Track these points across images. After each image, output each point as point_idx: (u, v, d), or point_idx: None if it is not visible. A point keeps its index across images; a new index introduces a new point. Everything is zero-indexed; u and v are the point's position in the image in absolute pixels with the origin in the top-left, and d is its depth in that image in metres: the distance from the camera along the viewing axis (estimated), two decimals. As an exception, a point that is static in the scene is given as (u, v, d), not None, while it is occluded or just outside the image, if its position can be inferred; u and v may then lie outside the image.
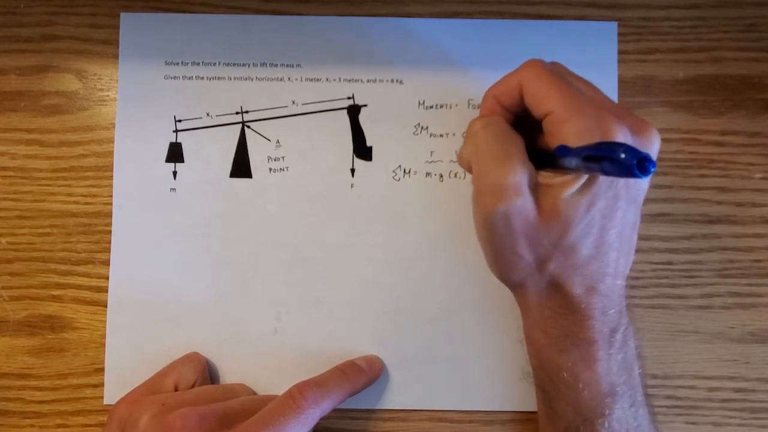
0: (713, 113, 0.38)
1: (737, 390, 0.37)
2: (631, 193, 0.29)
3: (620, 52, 0.38)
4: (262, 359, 0.37)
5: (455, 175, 0.38)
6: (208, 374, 0.36)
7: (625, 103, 0.38)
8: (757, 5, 0.38)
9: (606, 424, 0.30)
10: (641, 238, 0.37)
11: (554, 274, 0.29)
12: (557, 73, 0.29)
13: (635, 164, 0.23)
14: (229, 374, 0.37)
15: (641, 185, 0.29)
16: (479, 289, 0.37)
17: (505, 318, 0.37)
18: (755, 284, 0.37)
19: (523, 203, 0.28)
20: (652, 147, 0.29)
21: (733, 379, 0.37)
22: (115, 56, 0.38)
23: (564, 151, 0.27)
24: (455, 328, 0.37)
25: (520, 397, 0.37)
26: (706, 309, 0.37)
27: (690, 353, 0.37)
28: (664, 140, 0.38)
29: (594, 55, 0.38)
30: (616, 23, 0.38)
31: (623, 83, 0.38)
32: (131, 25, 0.38)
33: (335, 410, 0.33)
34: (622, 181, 0.28)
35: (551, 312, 0.30)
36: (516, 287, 0.31)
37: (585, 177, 0.28)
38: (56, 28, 0.38)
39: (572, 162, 0.26)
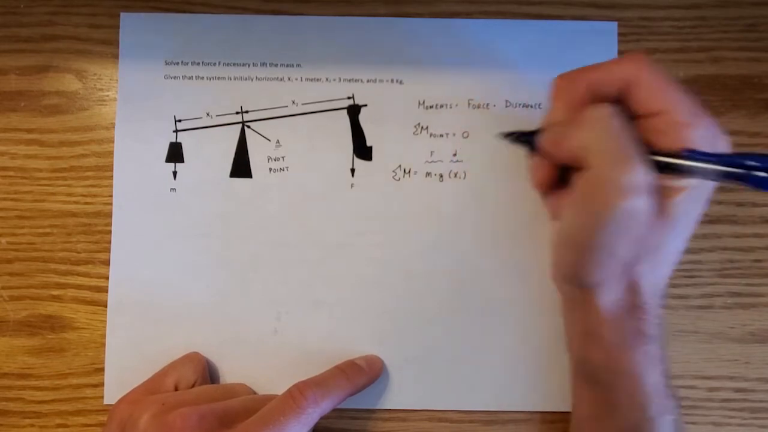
0: (713, 113, 0.37)
1: (737, 390, 0.37)
2: (704, 201, 0.30)
3: (620, 52, 0.38)
4: (262, 359, 0.37)
5: (455, 175, 0.38)
6: (208, 374, 0.36)
7: (625, 103, 0.38)
8: (757, 5, 0.38)
9: (668, 424, 0.30)
10: (641, 238, 0.37)
11: (638, 274, 0.29)
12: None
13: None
14: (229, 374, 0.37)
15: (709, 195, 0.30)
16: (479, 288, 0.37)
17: (506, 318, 0.37)
18: (755, 284, 0.37)
19: (646, 203, 0.27)
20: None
21: (733, 379, 0.37)
22: (115, 56, 0.38)
23: (694, 155, 0.27)
24: (455, 328, 0.37)
25: (521, 397, 0.37)
26: (706, 309, 0.37)
27: (690, 353, 0.37)
28: (664, 140, 0.38)
29: (594, 55, 0.38)
30: (616, 23, 0.38)
31: (623, 83, 0.38)
32: (131, 25, 0.38)
33: (335, 410, 0.33)
34: (711, 188, 0.29)
35: (623, 311, 0.30)
36: (591, 287, 0.30)
37: (698, 182, 0.28)
38: (56, 28, 0.38)
39: (696, 167, 0.27)
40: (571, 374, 0.34)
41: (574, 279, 0.30)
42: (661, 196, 0.28)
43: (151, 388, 0.34)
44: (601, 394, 0.32)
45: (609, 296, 0.30)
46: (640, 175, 0.27)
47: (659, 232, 0.28)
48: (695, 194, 0.29)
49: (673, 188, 0.28)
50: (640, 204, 0.27)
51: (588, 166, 0.28)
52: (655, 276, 0.30)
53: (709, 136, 0.28)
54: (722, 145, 0.28)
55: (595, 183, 0.28)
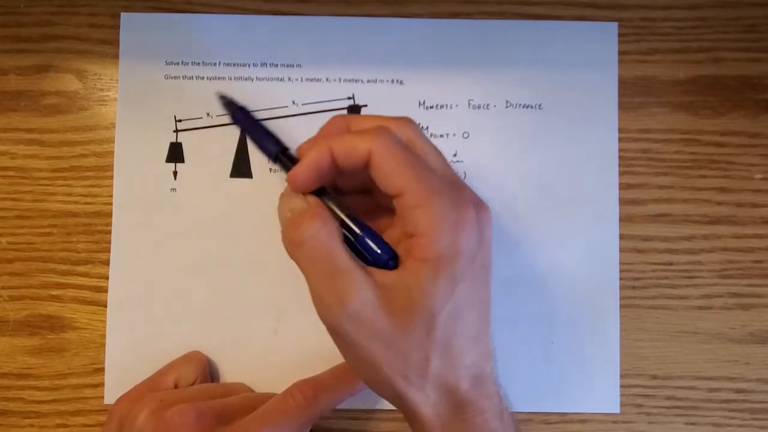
0: (713, 114, 0.38)
1: (737, 391, 0.37)
2: (483, 272, 0.28)
3: (620, 53, 0.38)
4: (262, 359, 0.37)
5: (455, 176, 0.38)
6: (209, 373, 0.36)
7: (625, 103, 0.38)
8: (757, 6, 0.38)
9: None
10: (642, 238, 0.37)
11: (438, 374, 0.27)
12: (408, 148, 0.27)
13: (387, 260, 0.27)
14: (229, 374, 0.37)
15: (489, 263, 0.28)
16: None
17: (504, 317, 0.37)
18: (755, 285, 0.37)
19: (367, 309, 0.26)
20: (490, 222, 0.28)
21: (733, 379, 0.37)
22: (115, 56, 0.38)
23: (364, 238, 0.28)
24: (455, 329, 0.37)
25: (521, 397, 0.37)
26: (706, 309, 0.37)
27: (690, 354, 0.37)
28: (664, 141, 0.38)
29: (594, 55, 0.38)
30: (616, 23, 0.38)
31: (623, 83, 0.38)
32: (131, 25, 0.38)
33: (335, 410, 0.33)
34: (477, 262, 0.27)
35: (447, 419, 0.27)
36: (402, 403, 0.27)
37: (446, 262, 0.26)
38: (56, 28, 0.38)
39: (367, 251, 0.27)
40: None
41: (385, 397, 0.29)
42: (406, 291, 0.26)
43: (151, 386, 0.34)
44: None
45: (424, 408, 0.27)
46: (353, 281, 0.26)
47: (418, 327, 0.26)
48: (438, 280, 0.26)
49: (408, 278, 0.26)
50: (360, 311, 0.26)
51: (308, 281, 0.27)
52: (467, 369, 0.27)
53: (438, 216, 0.26)
54: (462, 215, 0.26)
55: (314, 301, 0.27)
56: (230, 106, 0.31)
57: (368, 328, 0.26)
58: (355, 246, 0.28)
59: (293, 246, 0.27)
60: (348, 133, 0.28)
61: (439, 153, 0.29)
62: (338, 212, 0.28)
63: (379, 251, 0.27)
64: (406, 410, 0.28)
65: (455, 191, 0.27)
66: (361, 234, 0.28)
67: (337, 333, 0.27)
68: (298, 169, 0.28)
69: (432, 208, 0.26)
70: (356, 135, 0.27)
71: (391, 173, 0.26)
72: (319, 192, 0.29)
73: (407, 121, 0.29)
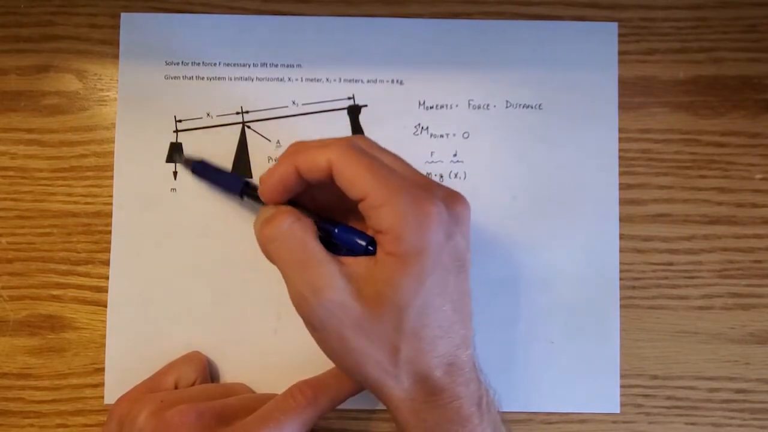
0: (713, 114, 0.38)
1: (737, 391, 0.37)
2: (457, 264, 0.28)
3: (620, 53, 0.38)
4: (262, 359, 0.37)
5: (455, 176, 0.38)
6: (209, 373, 0.36)
7: (625, 103, 0.38)
8: (757, 6, 0.38)
9: None
10: (642, 238, 0.37)
11: (410, 363, 0.28)
12: (367, 153, 0.28)
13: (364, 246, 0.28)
14: (230, 374, 0.37)
15: (462, 255, 0.29)
16: (477, 288, 0.37)
17: (504, 317, 0.37)
18: (755, 285, 0.37)
19: (340, 297, 0.27)
20: (465, 216, 0.29)
21: (733, 379, 0.37)
22: (115, 56, 0.38)
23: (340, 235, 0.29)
24: (455, 329, 0.37)
25: (520, 397, 0.37)
26: (706, 309, 0.37)
27: (690, 354, 0.37)
28: (664, 141, 0.38)
29: (594, 55, 0.38)
30: (616, 24, 0.38)
31: (623, 83, 0.38)
32: (131, 25, 0.38)
33: (335, 410, 0.33)
34: (445, 255, 0.28)
35: (421, 405, 0.28)
36: (377, 390, 0.29)
37: (413, 258, 0.27)
38: (56, 28, 0.38)
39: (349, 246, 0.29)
40: None
41: (362, 384, 0.30)
42: (374, 281, 0.27)
43: (151, 386, 0.34)
44: None
45: (398, 394, 0.28)
46: (323, 277, 0.27)
47: (388, 316, 0.27)
48: (407, 270, 0.27)
49: (380, 268, 0.27)
50: (334, 299, 0.27)
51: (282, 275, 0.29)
52: (440, 357, 0.28)
53: (400, 213, 0.27)
54: (427, 211, 0.27)
55: (291, 294, 0.29)
56: (188, 163, 0.36)
57: (342, 317, 0.27)
58: (331, 245, 0.29)
59: (267, 241, 0.29)
60: (310, 147, 0.29)
61: (399, 158, 0.30)
62: (311, 215, 0.30)
63: (357, 239, 0.29)
64: (381, 397, 0.29)
65: (419, 188, 0.28)
66: (336, 229, 0.29)
67: (313, 324, 0.28)
68: (267, 184, 0.30)
69: (394, 206, 0.27)
70: (317, 147, 0.28)
71: (353, 178, 0.27)
72: (293, 204, 0.30)
73: (363, 137, 0.31)
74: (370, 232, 0.29)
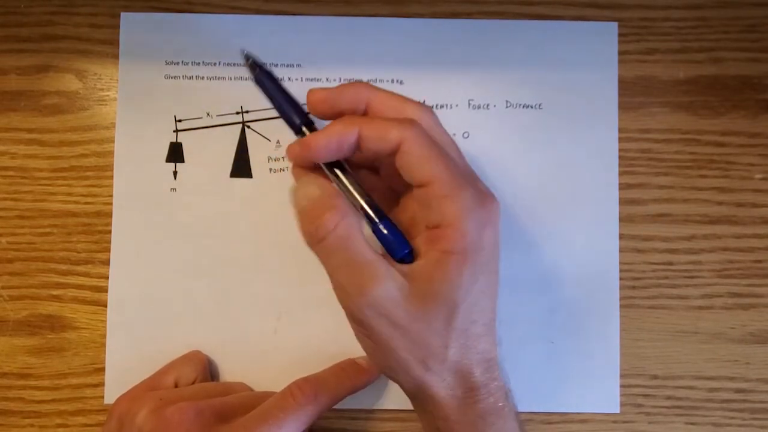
0: (713, 114, 0.38)
1: (737, 391, 0.37)
2: (497, 265, 0.28)
3: (620, 53, 0.38)
4: (262, 359, 0.37)
5: (455, 176, 0.38)
6: (209, 373, 0.36)
7: (625, 103, 0.38)
8: (757, 6, 0.38)
9: None
10: (642, 238, 0.37)
11: (456, 361, 0.28)
12: (436, 141, 0.28)
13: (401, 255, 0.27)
14: (230, 374, 0.37)
15: (499, 253, 0.28)
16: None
17: (504, 317, 0.37)
18: (755, 285, 0.37)
19: (388, 295, 0.27)
20: (499, 214, 0.28)
21: (733, 379, 0.37)
22: (115, 56, 0.38)
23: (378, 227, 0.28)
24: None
25: (521, 397, 0.37)
26: (706, 309, 0.37)
27: (690, 353, 0.37)
28: (664, 141, 0.38)
29: (594, 55, 0.38)
30: (616, 23, 0.38)
31: (623, 83, 0.38)
32: (131, 25, 0.38)
33: (335, 410, 0.33)
34: (496, 253, 0.28)
35: (461, 400, 0.28)
36: (420, 387, 0.28)
37: (472, 255, 0.27)
38: (56, 28, 0.38)
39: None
40: None
41: (403, 383, 0.29)
42: (429, 278, 0.27)
43: (151, 385, 0.34)
44: None
45: (441, 392, 0.28)
46: (374, 271, 0.27)
47: (441, 313, 0.27)
48: (460, 269, 0.26)
49: (432, 265, 0.27)
50: (384, 295, 0.26)
51: (329, 275, 0.28)
52: (481, 354, 0.28)
53: (465, 208, 0.26)
54: (486, 208, 0.27)
55: (335, 287, 0.28)
56: (254, 69, 0.29)
57: (389, 317, 0.27)
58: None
59: (313, 240, 0.28)
60: (378, 118, 0.28)
61: (456, 145, 0.29)
62: (357, 197, 0.28)
63: (396, 245, 0.28)
64: (422, 395, 0.29)
65: (477, 184, 0.28)
66: (379, 224, 0.28)
67: (356, 320, 0.28)
68: (320, 137, 0.27)
69: (460, 201, 0.26)
70: (388, 122, 0.27)
71: (421, 163, 0.27)
72: (336, 166, 0.28)
73: (429, 111, 0.29)
74: (405, 217, 0.29)
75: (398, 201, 0.31)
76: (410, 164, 0.27)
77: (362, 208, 0.28)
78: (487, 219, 0.27)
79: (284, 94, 0.29)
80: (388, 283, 0.27)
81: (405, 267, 0.27)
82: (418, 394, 0.29)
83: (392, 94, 0.29)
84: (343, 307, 0.28)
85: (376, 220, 0.28)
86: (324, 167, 0.29)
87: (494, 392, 0.29)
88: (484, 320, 0.28)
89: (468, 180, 0.27)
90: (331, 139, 0.27)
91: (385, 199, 0.30)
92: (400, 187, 0.30)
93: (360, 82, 0.29)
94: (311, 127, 0.29)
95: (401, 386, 0.30)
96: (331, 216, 0.27)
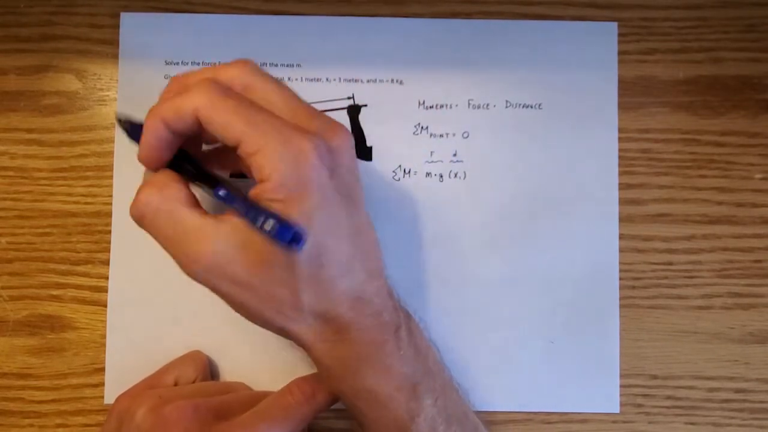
0: (713, 114, 0.38)
1: (737, 390, 0.37)
2: (347, 199, 0.28)
3: (620, 53, 0.38)
4: (262, 359, 0.37)
5: (455, 175, 0.38)
6: (209, 373, 0.36)
7: (625, 103, 0.38)
8: (757, 5, 0.38)
9: (417, 428, 0.29)
10: (642, 238, 0.37)
11: (313, 305, 0.27)
12: (237, 95, 0.27)
13: (287, 240, 0.25)
14: (229, 373, 0.37)
15: (351, 188, 0.28)
16: (478, 288, 0.37)
17: (504, 317, 0.37)
18: (755, 285, 0.37)
19: (222, 259, 0.26)
20: (345, 147, 0.28)
21: (733, 379, 0.37)
22: (115, 56, 0.38)
23: (227, 198, 0.27)
24: (454, 328, 0.37)
25: (521, 397, 0.37)
26: (706, 309, 0.37)
27: (690, 353, 0.37)
28: (664, 141, 0.38)
29: (594, 55, 0.38)
30: (616, 23, 0.38)
31: (623, 83, 0.38)
32: (131, 25, 0.38)
33: (334, 410, 0.33)
34: (330, 192, 0.27)
35: (332, 343, 0.28)
36: (289, 335, 0.29)
37: (295, 201, 0.26)
38: (56, 28, 0.38)
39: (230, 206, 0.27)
40: None
41: (271, 329, 0.29)
42: (247, 233, 0.26)
43: (151, 384, 0.34)
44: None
45: (310, 338, 0.28)
46: (201, 238, 0.26)
47: (279, 265, 0.26)
48: (289, 217, 0.26)
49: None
50: (214, 262, 0.26)
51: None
52: (343, 294, 0.27)
53: (275, 160, 0.25)
54: (299, 147, 0.26)
55: (174, 260, 0.28)
56: (123, 124, 0.31)
57: (228, 277, 0.27)
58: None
59: (137, 221, 0.28)
60: (174, 95, 0.27)
61: (281, 88, 0.28)
62: (193, 170, 0.28)
63: (236, 205, 0.27)
64: (296, 341, 0.29)
65: (291, 127, 0.26)
66: (221, 191, 0.28)
67: (201, 283, 0.28)
68: (141, 151, 0.28)
69: (269, 151, 0.26)
70: (179, 95, 0.26)
71: (223, 126, 0.26)
72: (181, 158, 0.29)
73: (242, 65, 0.28)
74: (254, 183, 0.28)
75: None
76: (215, 130, 0.26)
77: (219, 196, 0.28)
78: (304, 160, 0.26)
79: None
80: (218, 244, 0.26)
81: (240, 223, 0.26)
82: (296, 342, 0.29)
83: (204, 68, 0.29)
84: (186, 274, 0.28)
85: (216, 189, 0.28)
86: (171, 164, 0.29)
87: (369, 327, 0.28)
88: (339, 260, 0.27)
89: (277, 126, 0.26)
90: (148, 146, 0.28)
91: None
92: None
93: (173, 77, 0.29)
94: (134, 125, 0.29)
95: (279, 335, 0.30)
96: (145, 193, 0.27)
